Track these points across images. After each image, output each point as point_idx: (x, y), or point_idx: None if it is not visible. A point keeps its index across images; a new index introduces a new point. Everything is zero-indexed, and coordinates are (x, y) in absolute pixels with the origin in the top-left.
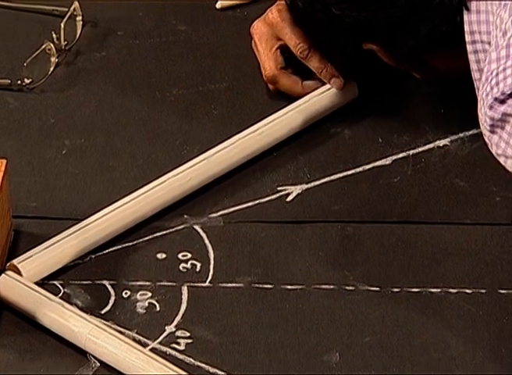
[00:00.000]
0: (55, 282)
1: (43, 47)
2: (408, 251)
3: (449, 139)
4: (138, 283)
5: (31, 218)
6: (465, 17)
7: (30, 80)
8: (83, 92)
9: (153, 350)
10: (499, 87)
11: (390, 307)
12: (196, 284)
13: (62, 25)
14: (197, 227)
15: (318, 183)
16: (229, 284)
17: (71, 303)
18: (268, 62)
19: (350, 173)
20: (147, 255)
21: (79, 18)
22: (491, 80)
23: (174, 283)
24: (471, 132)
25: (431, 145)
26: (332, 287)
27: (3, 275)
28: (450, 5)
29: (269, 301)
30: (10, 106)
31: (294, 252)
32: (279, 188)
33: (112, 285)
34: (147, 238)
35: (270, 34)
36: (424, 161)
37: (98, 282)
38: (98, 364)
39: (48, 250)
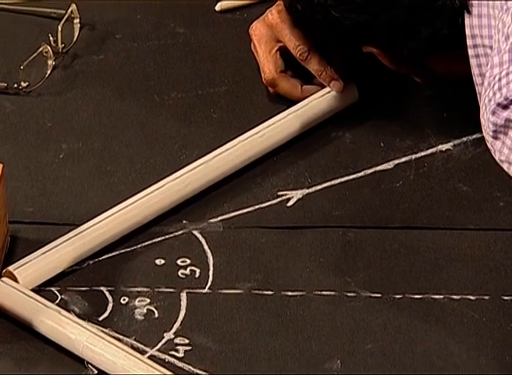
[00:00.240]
0: (52, 288)
1: (40, 50)
2: (410, 257)
3: (452, 143)
4: (136, 289)
5: (28, 223)
6: (467, 21)
7: (27, 83)
8: (80, 96)
9: (151, 357)
10: (502, 92)
11: (392, 314)
12: (195, 291)
13: (60, 27)
14: (196, 233)
15: (319, 187)
16: (229, 291)
17: (68, 310)
18: (268, 64)
19: (351, 177)
20: (145, 260)
21: (76, 20)
22: (493, 85)
23: (173, 290)
24: (474, 136)
25: (433, 149)
26: (333, 293)
27: None
28: (452, 8)
29: (269, 307)
30: (6, 110)
31: (295, 258)
32: (279, 193)
33: (109, 291)
34: (145, 244)
35: (269, 36)
36: (426, 165)
37: (96, 288)
38: (96, 372)
39: (45, 256)
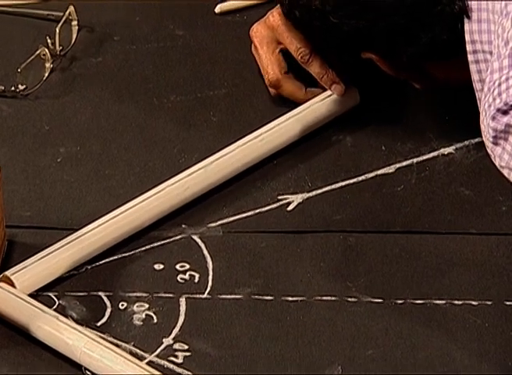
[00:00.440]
0: (50, 293)
1: (37, 52)
2: (412, 261)
3: (454, 147)
4: (135, 294)
5: (25, 228)
6: (466, 26)
7: (24, 86)
8: (78, 99)
9: (150, 363)
10: (502, 97)
11: (394, 319)
12: (194, 296)
13: (57, 30)
14: (195, 237)
15: (319, 191)
16: (229, 296)
17: (66, 315)
18: (272, 65)
19: (352, 181)
20: (144, 265)
21: (74, 23)
22: (493, 91)
23: (172, 295)
24: (476, 140)
25: (435, 153)
26: (333, 298)
27: None
28: (451, 13)
29: (269, 313)
30: (3, 113)
31: (295, 263)
32: (279, 197)
33: (108, 297)
34: (144, 248)
35: (271, 38)
36: (428, 169)
37: (94, 293)
38: None
39: (43, 261)
